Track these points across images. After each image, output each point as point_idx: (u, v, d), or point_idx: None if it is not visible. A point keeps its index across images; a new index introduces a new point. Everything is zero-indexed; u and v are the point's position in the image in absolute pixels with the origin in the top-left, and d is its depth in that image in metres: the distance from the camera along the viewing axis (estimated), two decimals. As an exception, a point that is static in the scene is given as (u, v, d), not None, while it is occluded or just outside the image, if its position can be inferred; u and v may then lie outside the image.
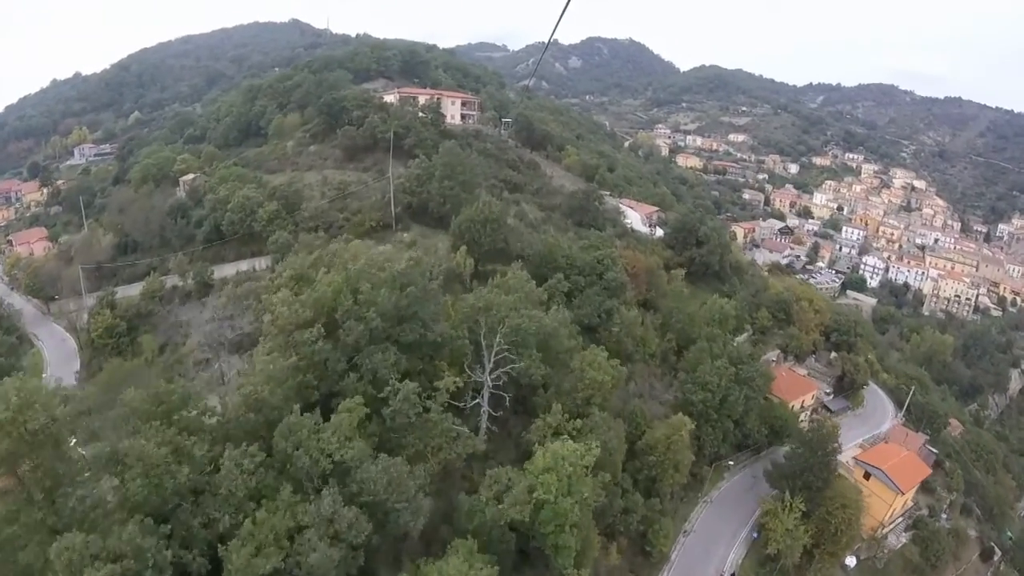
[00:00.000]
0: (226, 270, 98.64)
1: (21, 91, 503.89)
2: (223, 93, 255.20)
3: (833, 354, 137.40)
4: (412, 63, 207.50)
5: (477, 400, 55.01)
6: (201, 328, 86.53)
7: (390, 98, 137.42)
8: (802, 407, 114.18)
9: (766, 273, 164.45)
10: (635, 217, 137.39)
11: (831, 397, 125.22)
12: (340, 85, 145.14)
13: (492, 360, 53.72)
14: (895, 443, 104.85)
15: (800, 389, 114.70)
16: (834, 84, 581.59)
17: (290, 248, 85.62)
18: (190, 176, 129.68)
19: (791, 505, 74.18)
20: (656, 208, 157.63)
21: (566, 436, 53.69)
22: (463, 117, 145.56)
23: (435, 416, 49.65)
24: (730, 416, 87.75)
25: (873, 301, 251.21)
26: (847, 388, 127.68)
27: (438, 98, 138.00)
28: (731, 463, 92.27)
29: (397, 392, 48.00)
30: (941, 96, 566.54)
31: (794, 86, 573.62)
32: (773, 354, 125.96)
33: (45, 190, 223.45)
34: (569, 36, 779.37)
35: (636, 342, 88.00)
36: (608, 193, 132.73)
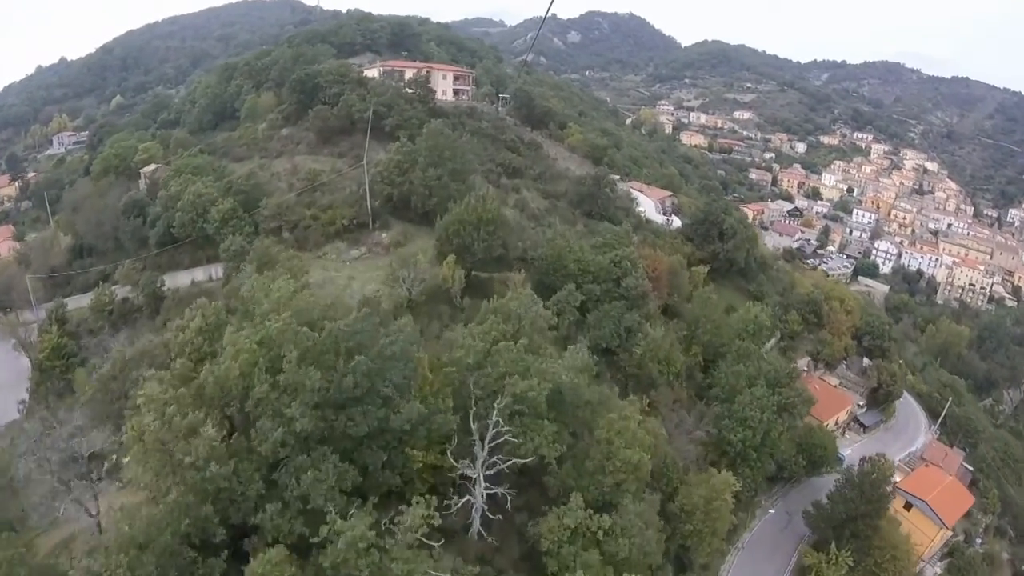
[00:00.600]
0: (180, 279, 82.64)
1: (6, 79, 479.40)
2: (206, 74, 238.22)
3: (866, 361, 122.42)
4: (402, 36, 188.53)
5: (467, 498, 39.01)
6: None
7: (372, 73, 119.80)
8: (836, 424, 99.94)
9: (782, 262, 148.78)
10: (648, 204, 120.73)
11: (864, 410, 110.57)
12: (319, 60, 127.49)
13: (487, 447, 37.73)
14: (934, 464, 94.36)
15: (835, 405, 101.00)
16: (839, 61, 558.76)
17: (244, 256, 69.76)
18: (151, 167, 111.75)
19: (837, 558, 63.21)
20: (669, 193, 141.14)
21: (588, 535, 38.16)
22: (456, 93, 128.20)
23: (400, 562, 32.33)
24: (772, 455, 73.36)
25: (885, 288, 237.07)
26: (882, 400, 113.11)
27: (427, 72, 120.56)
28: (763, 499, 78.76)
29: (338, 534, 31.51)
30: (948, 76, 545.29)
31: (798, 63, 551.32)
32: (803, 362, 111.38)
33: (16, 184, 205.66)
34: (568, 10, 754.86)
35: (661, 363, 72.42)
36: (618, 177, 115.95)
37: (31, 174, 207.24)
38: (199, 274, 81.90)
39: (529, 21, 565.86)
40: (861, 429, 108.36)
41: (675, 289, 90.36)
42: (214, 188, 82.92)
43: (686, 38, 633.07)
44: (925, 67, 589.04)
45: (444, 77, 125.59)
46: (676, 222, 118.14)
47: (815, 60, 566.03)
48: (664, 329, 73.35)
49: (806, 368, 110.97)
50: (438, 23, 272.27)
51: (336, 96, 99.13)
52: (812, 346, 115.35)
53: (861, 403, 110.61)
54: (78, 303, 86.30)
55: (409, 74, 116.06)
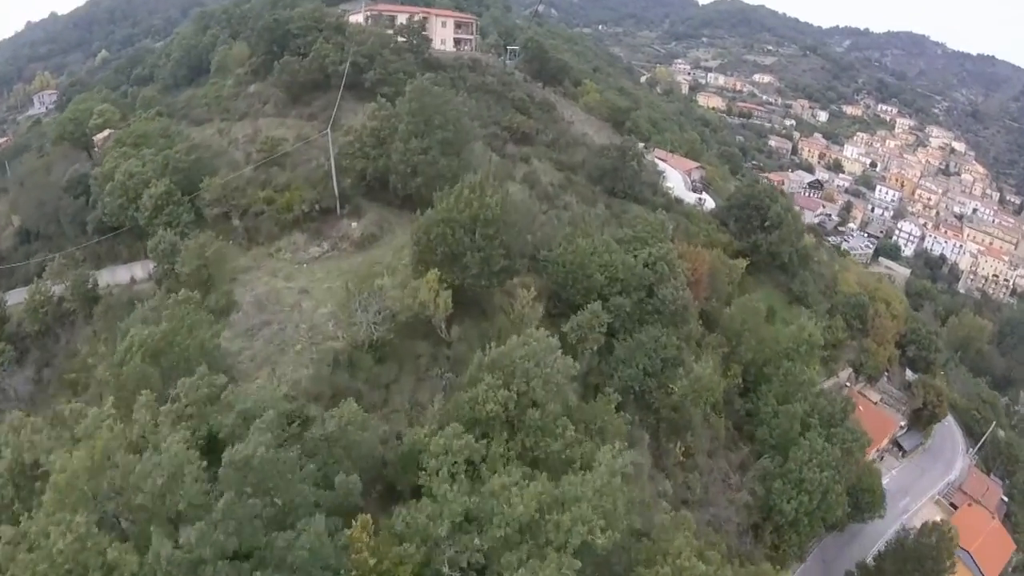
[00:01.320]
0: (119, 274, 65.28)
1: None
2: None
3: (910, 374, 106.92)
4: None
5: None
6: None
7: (358, 19, 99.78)
8: (876, 451, 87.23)
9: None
10: (675, 178, 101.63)
11: (904, 431, 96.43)
12: (300, 4, 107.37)
13: None
14: (974, 500, 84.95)
15: (879, 429, 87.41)
16: (862, 29, 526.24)
17: (176, 254, 52.67)
18: (103, 134, 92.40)
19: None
20: (697, 164, 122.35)
21: None
22: (457, 43, 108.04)
23: None
24: (825, 520, 58.58)
25: (907, 272, 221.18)
26: (925, 422, 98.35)
27: (423, 17, 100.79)
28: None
29: None
30: (974, 53, 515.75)
31: (819, 27, 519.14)
32: (844, 374, 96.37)
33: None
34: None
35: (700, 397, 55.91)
36: (644, 146, 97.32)
37: (2, 139, 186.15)
38: (138, 270, 64.31)
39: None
40: (900, 453, 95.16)
41: (714, 291, 73.58)
42: (151, 165, 64.88)
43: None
44: (950, 41, 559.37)
45: (443, 24, 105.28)
46: (709, 202, 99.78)
47: (837, 26, 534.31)
48: (709, 360, 56.41)
49: (848, 383, 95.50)
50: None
51: (307, 46, 79.75)
52: (855, 355, 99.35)
53: (903, 423, 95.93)
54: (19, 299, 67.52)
55: (402, 20, 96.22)
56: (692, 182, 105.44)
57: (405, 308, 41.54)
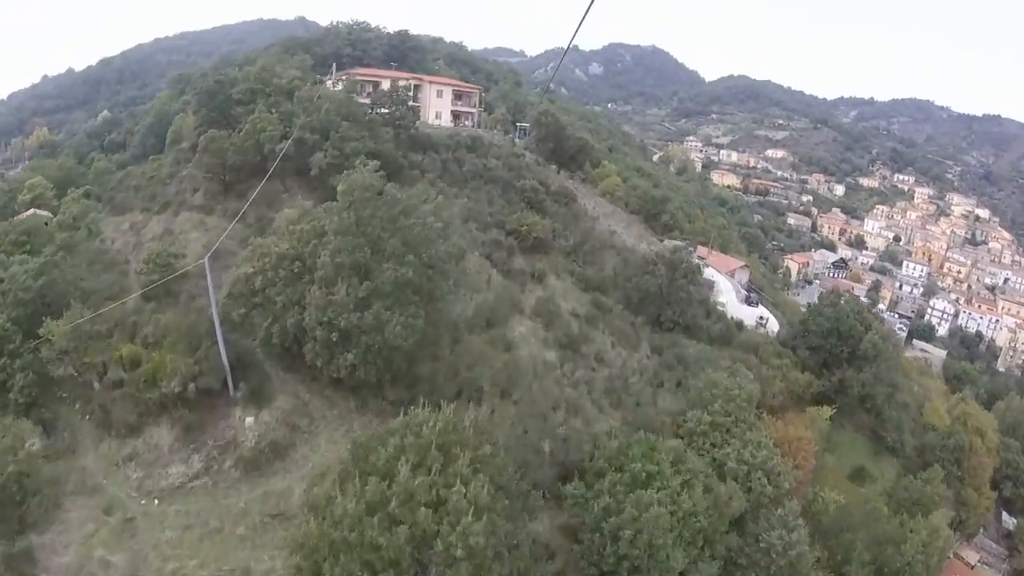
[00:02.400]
0: None
1: (14, 86, 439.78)
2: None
3: (1008, 519, 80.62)
4: (403, 49, 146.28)
5: None
6: None
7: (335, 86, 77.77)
8: None
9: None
10: (726, 288, 76.96)
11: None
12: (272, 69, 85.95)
13: None
14: None
15: None
16: (867, 98, 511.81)
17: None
18: (27, 213, 74.55)
19: None
20: (741, 263, 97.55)
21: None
22: (456, 117, 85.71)
23: None
24: None
25: (943, 353, 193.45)
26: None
27: (414, 84, 78.73)
28: None
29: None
30: (979, 113, 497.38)
31: (824, 99, 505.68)
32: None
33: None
34: (590, 42, 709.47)
35: None
36: (695, 251, 72.69)
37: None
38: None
39: (550, 52, 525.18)
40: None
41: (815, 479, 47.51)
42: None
43: (709, 73, 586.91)
44: (955, 104, 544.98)
45: (439, 93, 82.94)
46: (772, 321, 74.17)
47: (842, 97, 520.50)
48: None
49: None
50: (451, 42, 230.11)
51: (245, 116, 56.78)
52: (951, 508, 72.13)
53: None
54: None
55: (386, 86, 73.67)
56: (745, 292, 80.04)
57: None
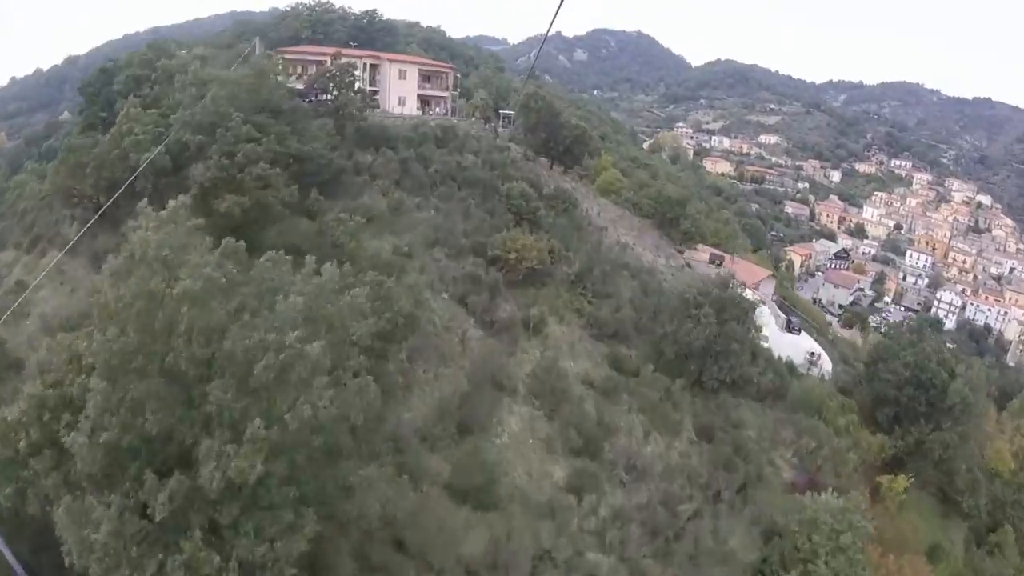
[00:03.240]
0: None
1: None
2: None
3: None
4: (371, 31, 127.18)
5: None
6: None
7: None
8: None
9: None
10: (767, 318, 59.87)
11: None
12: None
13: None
14: None
15: None
16: (856, 82, 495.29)
17: None
18: None
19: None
20: (768, 272, 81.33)
21: None
22: (425, 103, 68.43)
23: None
24: None
25: (952, 348, 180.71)
26: None
27: (370, 63, 61.32)
28: None
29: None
30: (970, 96, 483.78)
31: (813, 83, 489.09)
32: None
33: None
34: (574, 28, 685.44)
35: None
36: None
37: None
38: None
39: (533, 39, 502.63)
40: None
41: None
42: None
43: (695, 57, 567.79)
44: (945, 87, 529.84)
45: (402, 74, 65.06)
46: (824, 359, 57.69)
47: (831, 80, 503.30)
48: None
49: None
50: (429, 27, 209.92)
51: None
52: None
53: None
54: None
55: (328, 63, 56.06)
56: (787, 317, 63.43)
57: None
